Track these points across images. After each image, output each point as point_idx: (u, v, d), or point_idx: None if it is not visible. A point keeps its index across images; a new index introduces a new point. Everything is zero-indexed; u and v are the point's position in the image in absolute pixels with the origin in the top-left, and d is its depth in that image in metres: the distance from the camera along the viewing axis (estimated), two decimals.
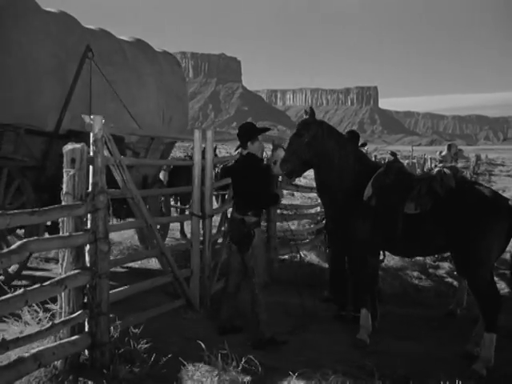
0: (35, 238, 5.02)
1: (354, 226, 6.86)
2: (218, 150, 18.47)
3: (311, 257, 11.22)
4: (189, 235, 9.01)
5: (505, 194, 7.39)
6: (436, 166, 7.16)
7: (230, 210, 7.31)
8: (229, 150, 46.15)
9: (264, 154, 9.87)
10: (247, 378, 5.64)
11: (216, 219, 9.33)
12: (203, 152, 7.85)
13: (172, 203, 13.42)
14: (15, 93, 8.13)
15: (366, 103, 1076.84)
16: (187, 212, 9.35)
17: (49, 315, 5.77)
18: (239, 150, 7.35)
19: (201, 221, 7.98)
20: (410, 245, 6.71)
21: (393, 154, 7.50)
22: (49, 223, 8.60)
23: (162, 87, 11.56)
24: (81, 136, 7.97)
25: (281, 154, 7.33)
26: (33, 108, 8.34)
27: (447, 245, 6.55)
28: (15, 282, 8.20)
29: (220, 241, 9.08)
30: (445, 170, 6.61)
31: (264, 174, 6.96)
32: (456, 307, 8.17)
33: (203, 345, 5.89)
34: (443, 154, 17.32)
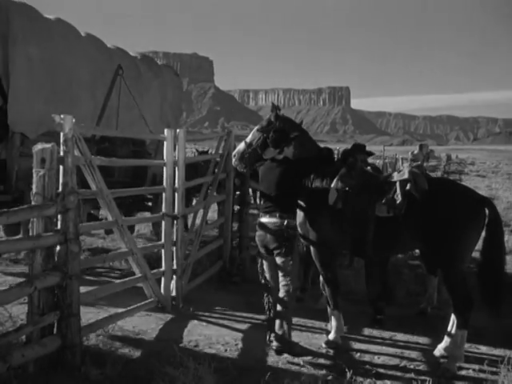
0: (4, 238, 4.96)
1: (320, 229, 6.74)
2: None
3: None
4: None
5: None
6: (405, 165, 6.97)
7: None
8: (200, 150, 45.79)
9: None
10: (220, 379, 5.63)
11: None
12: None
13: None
14: (62, 106, 9.22)
15: (338, 103, 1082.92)
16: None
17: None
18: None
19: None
20: (380, 246, 6.59)
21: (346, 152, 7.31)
22: None
23: (164, 96, 13.36)
24: (112, 140, 10.64)
25: (240, 146, 7.16)
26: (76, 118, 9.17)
27: (422, 244, 6.52)
28: None
29: (193, 241, 9.03)
30: (414, 169, 6.52)
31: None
32: (427, 306, 8.22)
33: (175, 346, 5.87)
34: (415, 152, 17.57)
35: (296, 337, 6.93)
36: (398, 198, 6.29)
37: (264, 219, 6.63)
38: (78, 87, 10.09)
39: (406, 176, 6.43)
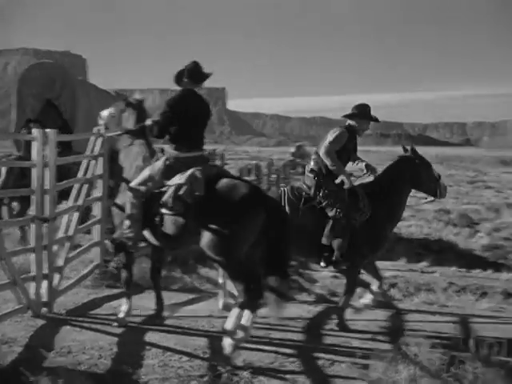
0: None
1: None
2: None
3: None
4: None
5: None
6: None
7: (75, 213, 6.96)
8: None
9: None
10: None
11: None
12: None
13: None
14: None
15: (215, 104, 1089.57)
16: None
17: None
18: None
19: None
20: (167, 240, 6.97)
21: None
22: None
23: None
24: None
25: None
26: None
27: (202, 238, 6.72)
28: None
29: (67, 244, 8.75)
30: (195, 173, 6.75)
31: None
32: None
33: (46, 352, 5.69)
34: (292, 151, 19.65)
35: (172, 339, 6.92)
36: (170, 201, 6.67)
37: None
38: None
39: (181, 181, 6.72)
